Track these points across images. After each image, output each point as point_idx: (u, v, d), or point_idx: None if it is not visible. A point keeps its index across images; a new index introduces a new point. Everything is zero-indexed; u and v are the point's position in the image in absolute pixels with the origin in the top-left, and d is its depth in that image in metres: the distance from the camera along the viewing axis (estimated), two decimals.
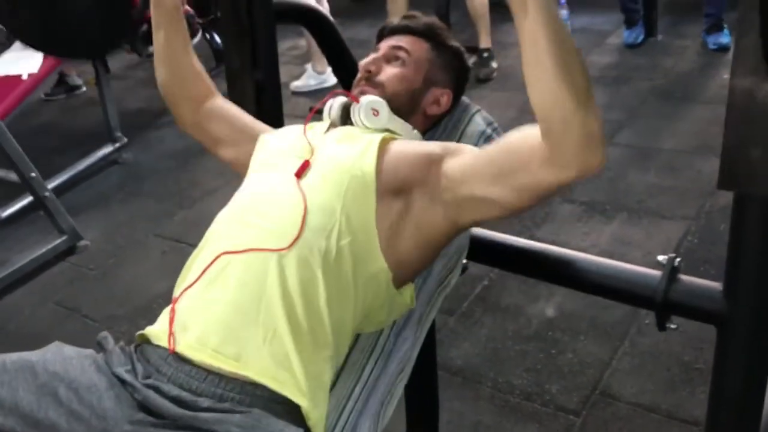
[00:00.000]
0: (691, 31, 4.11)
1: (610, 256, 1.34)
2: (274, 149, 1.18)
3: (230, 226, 1.07)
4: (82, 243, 2.77)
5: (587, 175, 0.92)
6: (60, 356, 0.98)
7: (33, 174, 2.58)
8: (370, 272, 1.02)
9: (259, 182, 1.13)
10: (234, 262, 1.00)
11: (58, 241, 2.71)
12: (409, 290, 1.10)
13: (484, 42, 3.87)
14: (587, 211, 2.58)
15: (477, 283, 2.29)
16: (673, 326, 1.25)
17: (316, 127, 1.20)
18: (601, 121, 0.91)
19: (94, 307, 2.43)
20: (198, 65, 1.33)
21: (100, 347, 1.03)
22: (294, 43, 4.66)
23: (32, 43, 2.45)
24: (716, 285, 1.21)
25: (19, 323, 2.39)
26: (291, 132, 1.20)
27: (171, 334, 0.97)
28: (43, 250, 2.66)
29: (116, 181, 3.35)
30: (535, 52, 0.88)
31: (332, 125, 1.20)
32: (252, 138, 1.25)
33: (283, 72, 2.04)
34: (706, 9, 3.85)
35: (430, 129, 1.29)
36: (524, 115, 0.98)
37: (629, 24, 4.09)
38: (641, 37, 4.07)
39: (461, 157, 1.05)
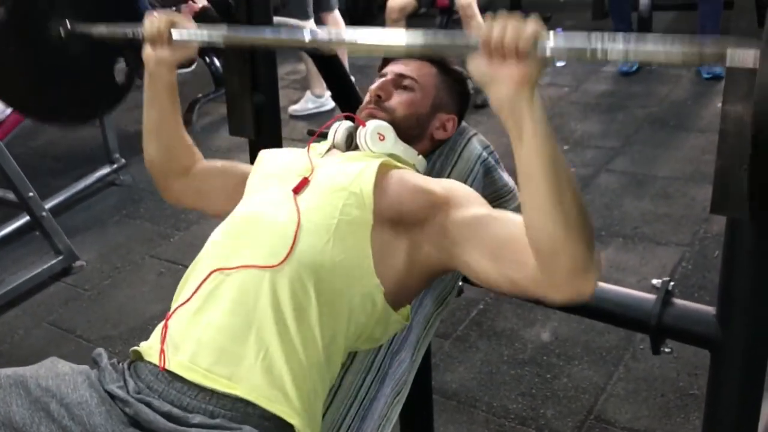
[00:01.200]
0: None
1: (605, 282, 1.34)
2: (274, 166, 1.19)
3: (224, 243, 1.07)
4: (78, 263, 2.78)
5: (575, 300, 0.91)
6: (53, 372, 0.98)
7: (31, 194, 2.60)
8: (363, 290, 1.02)
9: (255, 198, 1.14)
10: (227, 280, 1.00)
11: (54, 261, 2.71)
12: (405, 309, 1.11)
13: None
14: None
15: (472, 307, 2.29)
16: (667, 350, 1.26)
17: (318, 148, 1.21)
18: (593, 252, 0.88)
19: (88, 327, 2.42)
20: (188, 139, 1.32)
21: (94, 363, 1.03)
22: (293, 67, 4.70)
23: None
24: (710, 309, 1.21)
25: (12, 343, 2.38)
26: (292, 152, 1.22)
27: (162, 351, 0.98)
28: (39, 270, 2.67)
29: (113, 202, 3.35)
30: (528, 178, 0.87)
31: (335, 147, 1.21)
32: (243, 178, 1.23)
33: (282, 96, 2.06)
34: (700, 39, 3.89)
35: (432, 152, 1.30)
36: None
37: None
38: (636, 66, 4.13)
39: (463, 217, 1.02)
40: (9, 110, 2.66)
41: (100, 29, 1.39)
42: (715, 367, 1.20)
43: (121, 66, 1.60)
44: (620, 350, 2.04)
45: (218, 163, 1.35)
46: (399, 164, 1.15)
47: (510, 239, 0.95)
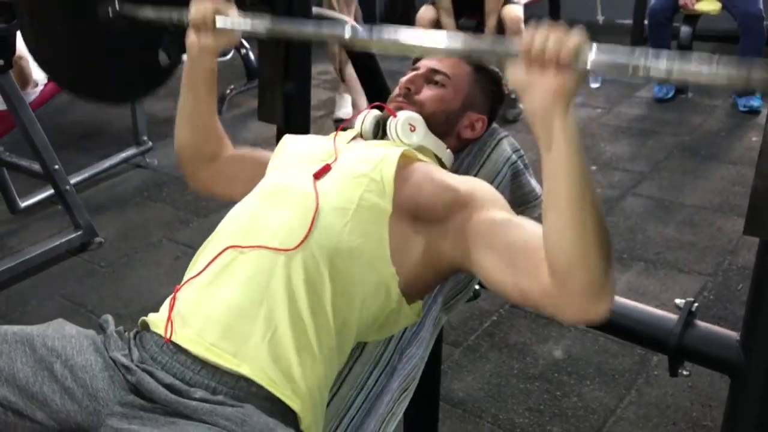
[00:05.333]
0: (723, 92, 4.11)
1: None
2: (297, 151, 1.18)
3: (241, 222, 1.06)
4: (97, 240, 2.79)
5: (586, 323, 0.89)
6: (60, 333, 0.97)
7: (56, 166, 2.61)
8: (378, 278, 1.00)
9: (276, 180, 1.12)
10: (241, 257, 0.98)
11: (73, 235, 2.73)
12: (418, 304, 1.09)
13: None
14: None
15: (486, 317, 2.26)
16: (685, 373, 1.22)
17: (344, 136, 1.19)
18: (610, 277, 0.86)
19: (99, 304, 2.42)
20: (220, 127, 1.31)
21: (101, 329, 1.03)
22: (325, 67, 4.71)
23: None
24: (733, 334, 1.18)
25: (24, 312, 2.39)
26: (317, 138, 1.20)
27: (169, 322, 0.96)
28: (57, 242, 2.68)
29: (136, 183, 3.37)
30: (552, 192, 0.85)
31: (361, 136, 1.20)
32: (262, 171, 1.21)
33: (312, 95, 2.06)
34: (748, 61, 3.84)
35: (458, 151, 1.28)
36: None
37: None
38: (671, 93, 4.08)
39: (483, 220, 1.00)
40: (41, 87, 2.68)
41: (147, 12, 1.40)
42: (734, 394, 1.16)
43: (165, 50, 1.61)
44: (634, 374, 1.99)
45: (247, 151, 1.34)
46: (423, 157, 1.13)
47: (527, 249, 0.93)
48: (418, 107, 1.19)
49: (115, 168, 3.43)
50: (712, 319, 2.19)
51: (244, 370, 0.91)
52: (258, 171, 1.24)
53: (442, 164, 1.19)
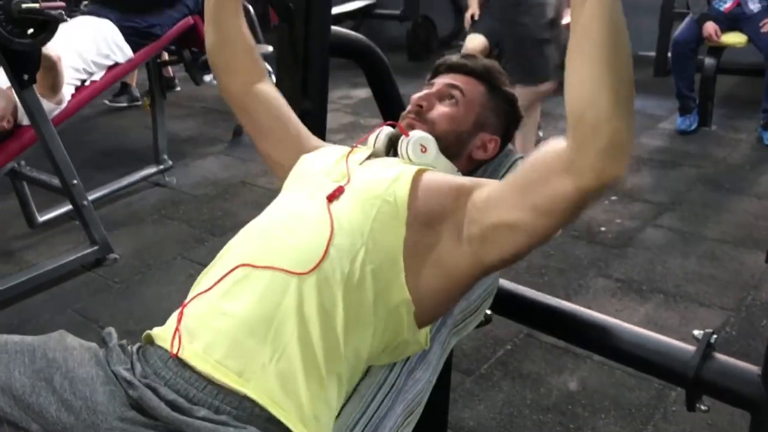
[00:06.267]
0: (747, 126, 4.06)
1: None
2: (312, 170, 1.16)
3: (254, 240, 1.04)
4: (111, 256, 2.80)
5: (606, 185, 0.87)
6: (62, 344, 0.95)
7: (75, 181, 2.63)
8: (392, 303, 0.98)
9: (289, 201, 1.11)
10: (252, 276, 0.96)
11: (88, 250, 2.73)
12: (425, 330, 1.06)
13: None
14: (622, 289, 2.50)
15: (500, 346, 2.21)
16: (704, 407, 1.18)
17: (358, 154, 1.18)
18: (632, 133, 0.86)
19: (111, 319, 2.41)
20: (249, 38, 1.29)
21: (103, 342, 1.01)
22: (347, 92, 4.74)
23: None
24: (754, 368, 1.14)
25: (36, 326, 2.38)
26: (332, 155, 1.18)
27: (176, 337, 0.94)
28: (72, 257, 2.69)
29: (154, 201, 3.39)
30: (585, 42, 0.84)
31: (374, 155, 1.18)
32: (293, 138, 1.24)
33: (332, 119, 2.06)
34: (764, 105, 3.80)
35: (470, 173, 1.26)
36: None
37: (683, 111, 4.05)
38: (694, 125, 4.03)
39: (489, 187, 1.01)
40: (64, 104, 2.71)
41: None
42: (755, 431, 1.11)
43: None
44: (651, 408, 1.93)
45: (279, 100, 1.31)
46: (430, 168, 1.11)
47: (528, 170, 0.95)
48: (430, 126, 1.17)
49: (135, 185, 3.46)
50: (734, 355, 2.11)
51: (249, 390, 0.89)
52: (283, 134, 1.26)
53: None
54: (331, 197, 1.04)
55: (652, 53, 4.95)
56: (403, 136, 1.15)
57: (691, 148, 3.86)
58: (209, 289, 0.98)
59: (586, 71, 0.84)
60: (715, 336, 1.18)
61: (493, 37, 3.66)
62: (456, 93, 1.20)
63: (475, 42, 3.96)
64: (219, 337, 0.93)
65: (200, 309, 0.97)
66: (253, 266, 0.97)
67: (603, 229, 2.93)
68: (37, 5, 2.20)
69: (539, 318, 1.35)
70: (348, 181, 1.08)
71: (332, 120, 2.07)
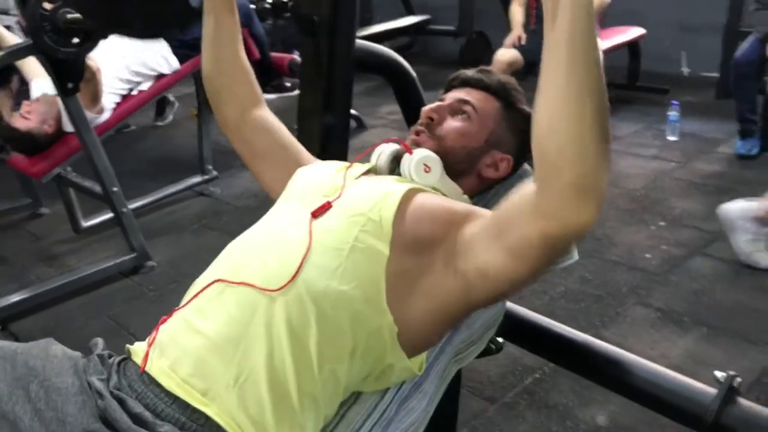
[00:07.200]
0: None
1: (679, 372, 1.17)
2: (305, 183, 1.13)
3: (233, 255, 1.02)
4: (149, 264, 2.84)
5: (572, 232, 0.80)
6: (44, 353, 0.95)
7: (115, 189, 2.68)
8: (373, 325, 0.93)
9: (275, 215, 1.09)
10: (226, 293, 0.94)
11: (127, 257, 2.78)
12: (420, 357, 1.01)
13: None
14: (662, 319, 2.38)
15: (527, 375, 2.13)
16: None
17: (357, 168, 1.14)
18: (603, 175, 0.78)
19: (142, 327, 2.42)
20: (247, 64, 1.27)
21: (89, 351, 1.00)
22: (394, 108, 4.71)
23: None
24: None
25: (68, 330, 2.43)
26: (329, 169, 1.15)
27: (147, 353, 0.93)
28: (110, 263, 2.74)
29: (197, 211, 3.43)
30: (553, 59, 0.78)
31: (373, 171, 1.14)
32: (291, 161, 1.21)
33: (379, 134, 2.03)
34: None
35: (481, 193, 1.20)
36: None
37: (744, 135, 3.87)
38: (756, 150, 3.84)
39: (480, 221, 0.96)
40: (107, 114, 2.78)
41: None
42: None
43: None
44: None
45: (276, 124, 1.28)
46: (428, 189, 1.06)
47: (503, 210, 0.91)
48: (439, 141, 1.13)
49: (179, 194, 3.52)
50: None
51: (211, 411, 0.86)
52: (280, 158, 1.23)
53: None
54: (316, 213, 1.01)
55: (716, 74, 4.77)
56: (406, 155, 1.10)
57: (750, 174, 3.67)
58: (186, 304, 0.96)
59: (551, 96, 0.78)
60: (739, 379, 1.09)
61: (533, 56, 3.62)
62: (468, 108, 1.15)
63: (506, 55, 3.90)
64: (186, 355, 0.91)
65: (174, 325, 0.96)
66: (228, 282, 0.94)
67: (647, 255, 2.81)
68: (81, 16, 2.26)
69: (551, 348, 1.28)
70: (338, 197, 1.04)
71: (379, 136, 2.05)
